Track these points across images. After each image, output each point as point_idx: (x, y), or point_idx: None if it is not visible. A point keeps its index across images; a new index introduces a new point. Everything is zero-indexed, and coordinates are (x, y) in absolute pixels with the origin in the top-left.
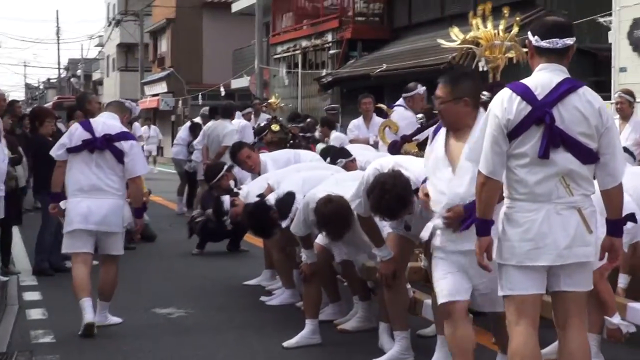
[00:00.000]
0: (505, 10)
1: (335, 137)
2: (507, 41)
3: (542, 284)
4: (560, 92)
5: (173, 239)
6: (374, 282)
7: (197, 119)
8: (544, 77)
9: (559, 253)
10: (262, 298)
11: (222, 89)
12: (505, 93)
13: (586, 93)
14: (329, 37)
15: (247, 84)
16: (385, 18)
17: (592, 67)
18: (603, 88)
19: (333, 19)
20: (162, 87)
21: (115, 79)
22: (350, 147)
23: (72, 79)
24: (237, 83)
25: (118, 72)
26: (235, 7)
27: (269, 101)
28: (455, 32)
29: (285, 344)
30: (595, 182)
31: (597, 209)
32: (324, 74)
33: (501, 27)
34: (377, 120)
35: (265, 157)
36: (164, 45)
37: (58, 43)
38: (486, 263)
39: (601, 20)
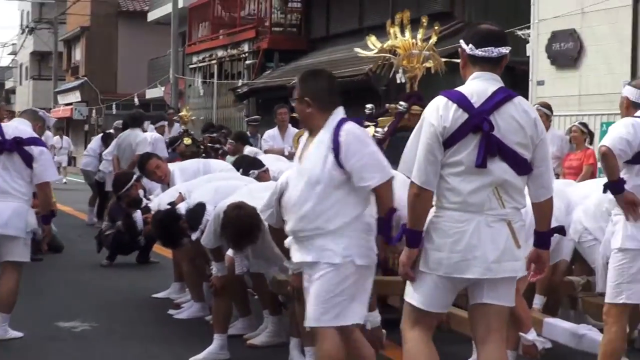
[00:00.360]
0: (424, 20)
1: (249, 152)
2: (425, 50)
3: (450, 301)
4: (496, 100)
5: (81, 250)
6: (285, 296)
7: (111, 131)
8: (479, 86)
9: (487, 267)
10: (170, 311)
11: (135, 99)
12: (440, 101)
13: (522, 103)
14: (246, 47)
15: (162, 94)
16: (303, 29)
17: (509, 80)
18: None
19: (250, 29)
20: (75, 96)
21: (28, 88)
22: (263, 158)
23: None
24: (152, 93)
25: (31, 81)
26: (151, 17)
27: (180, 114)
28: (373, 41)
29: (192, 359)
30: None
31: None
32: (239, 84)
33: (419, 36)
34: (293, 130)
35: (173, 166)
36: (78, 54)
37: None
38: (412, 274)
39: (519, 33)
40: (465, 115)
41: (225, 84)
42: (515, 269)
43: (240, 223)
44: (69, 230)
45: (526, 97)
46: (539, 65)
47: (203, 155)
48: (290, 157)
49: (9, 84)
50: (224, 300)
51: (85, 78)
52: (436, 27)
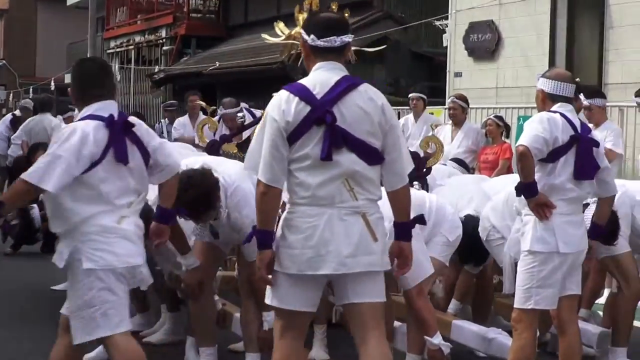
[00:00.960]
0: (334, 6)
1: None
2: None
3: (315, 299)
4: (340, 90)
5: None
6: (181, 292)
7: (17, 112)
8: (322, 76)
9: (341, 261)
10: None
11: (52, 83)
12: (282, 94)
13: (368, 90)
14: (163, 33)
15: None
16: (221, 15)
17: (428, 71)
18: (439, 93)
19: (167, 15)
20: None
21: None
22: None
23: None
24: (70, 78)
25: None
26: (70, 0)
27: None
28: (281, 27)
29: (86, 356)
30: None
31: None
32: (156, 70)
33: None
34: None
35: None
36: None
37: None
38: (267, 278)
39: (437, 23)
40: (308, 108)
41: (143, 70)
42: (372, 263)
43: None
44: None
45: (444, 88)
46: (457, 56)
47: None
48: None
49: None
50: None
51: (4, 61)
52: (346, 14)
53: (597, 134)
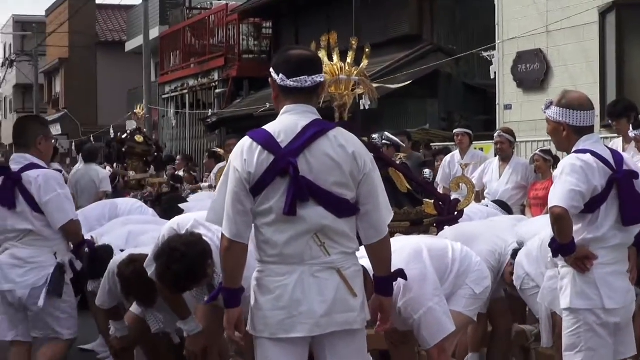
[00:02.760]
0: (354, 42)
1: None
2: (354, 76)
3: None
4: (307, 137)
5: None
6: None
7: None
8: (289, 121)
9: (316, 322)
10: None
11: (112, 130)
12: (245, 142)
13: (338, 136)
14: (216, 75)
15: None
16: (273, 55)
17: (482, 104)
18: (492, 126)
19: (219, 57)
20: (56, 129)
21: (13, 121)
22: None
23: None
24: (131, 124)
25: (15, 114)
26: (128, 47)
27: (135, 111)
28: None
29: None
30: None
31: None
32: (210, 114)
33: (349, 60)
34: None
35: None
36: (58, 86)
37: None
38: (237, 337)
39: (485, 54)
40: (271, 158)
41: (197, 114)
42: (349, 321)
43: (142, 278)
44: None
45: (495, 121)
46: (506, 88)
47: (155, 154)
48: None
49: None
50: None
51: (66, 110)
52: (367, 50)
53: None
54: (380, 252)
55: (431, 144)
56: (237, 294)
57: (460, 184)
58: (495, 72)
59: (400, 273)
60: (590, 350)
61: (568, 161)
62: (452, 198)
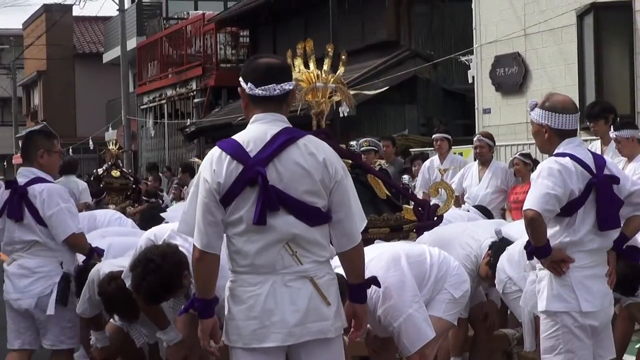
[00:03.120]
0: (329, 49)
1: None
2: (331, 83)
3: None
4: (276, 146)
5: None
6: None
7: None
8: (258, 130)
9: (289, 332)
10: None
11: (90, 142)
12: (214, 152)
13: (308, 144)
14: (194, 85)
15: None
16: None
17: (461, 109)
18: (472, 131)
19: (197, 66)
20: None
21: None
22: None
23: None
24: (110, 135)
25: None
26: (106, 58)
27: (109, 148)
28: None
29: None
30: None
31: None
32: (188, 123)
33: (325, 67)
34: None
35: None
36: (37, 98)
37: None
38: (212, 349)
39: (463, 59)
40: (240, 167)
41: (176, 124)
42: (323, 330)
43: (123, 294)
44: None
45: (474, 126)
46: (484, 92)
47: (133, 186)
48: None
49: None
50: None
51: (45, 122)
52: (343, 57)
53: (631, 166)
54: (353, 260)
55: (409, 150)
56: (211, 305)
57: (440, 189)
58: (473, 77)
59: (374, 280)
60: (569, 352)
61: (546, 164)
62: (431, 203)
